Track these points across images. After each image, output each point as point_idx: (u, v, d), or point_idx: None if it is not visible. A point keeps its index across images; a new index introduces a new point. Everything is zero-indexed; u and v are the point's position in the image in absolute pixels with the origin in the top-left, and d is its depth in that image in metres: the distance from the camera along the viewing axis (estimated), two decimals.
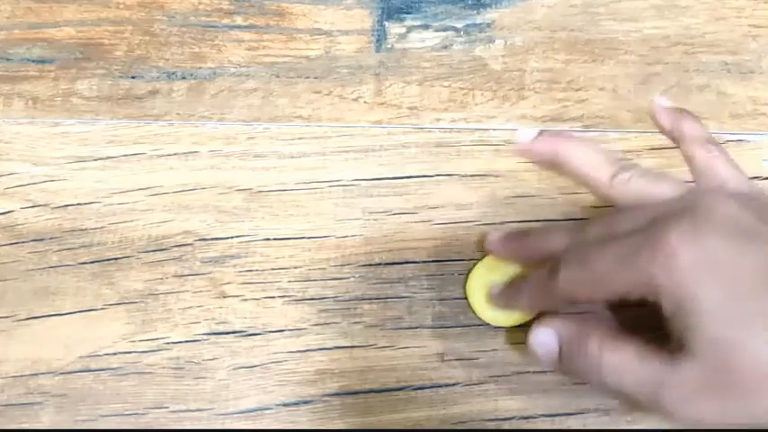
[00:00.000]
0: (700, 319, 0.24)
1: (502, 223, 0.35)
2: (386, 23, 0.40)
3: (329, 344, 0.34)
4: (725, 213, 0.25)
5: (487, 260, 0.34)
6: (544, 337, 0.29)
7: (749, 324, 0.23)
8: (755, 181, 0.34)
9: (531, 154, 0.30)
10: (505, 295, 0.32)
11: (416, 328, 0.34)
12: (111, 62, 0.39)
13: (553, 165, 0.30)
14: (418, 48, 0.39)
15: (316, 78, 0.39)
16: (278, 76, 0.39)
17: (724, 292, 0.24)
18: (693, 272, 0.24)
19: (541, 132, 0.30)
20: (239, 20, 0.40)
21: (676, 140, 0.30)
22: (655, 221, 0.26)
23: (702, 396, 0.24)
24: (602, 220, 0.28)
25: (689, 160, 0.30)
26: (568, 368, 0.28)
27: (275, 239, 0.36)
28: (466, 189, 0.36)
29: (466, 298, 0.34)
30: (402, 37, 0.39)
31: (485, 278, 0.33)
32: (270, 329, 0.34)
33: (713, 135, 0.30)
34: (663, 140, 0.32)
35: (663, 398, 0.24)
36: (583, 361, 0.27)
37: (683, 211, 0.25)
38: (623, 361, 0.25)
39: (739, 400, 0.23)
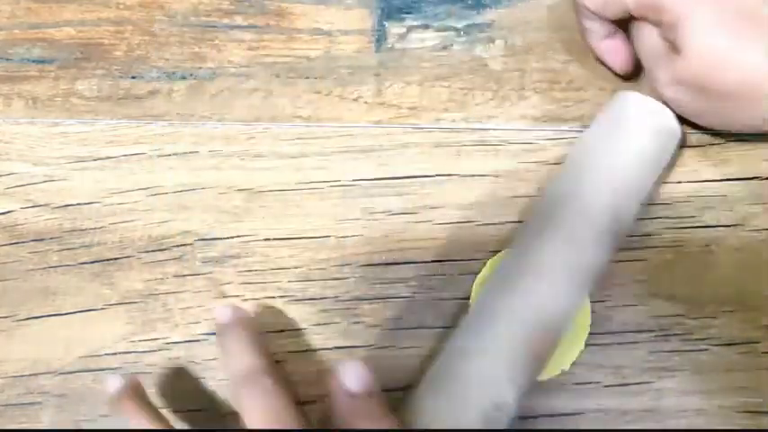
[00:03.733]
0: (694, 32, 0.29)
1: (502, 223, 0.35)
2: (386, 23, 0.40)
3: (329, 344, 0.34)
4: None
5: (492, 262, 0.34)
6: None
7: (734, 41, 0.29)
8: None
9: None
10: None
11: (416, 328, 0.34)
12: (111, 62, 0.39)
13: None
14: (418, 48, 0.39)
15: (316, 78, 0.39)
16: (278, 76, 0.39)
17: (714, 14, 0.29)
18: None
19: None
20: (239, 20, 0.40)
21: None
22: None
23: (688, 89, 0.30)
24: None
25: None
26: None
27: (275, 239, 0.36)
28: (466, 189, 0.36)
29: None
30: (402, 37, 0.39)
31: None
32: (270, 329, 0.34)
33: None
34: None
35: (658, 75, 0.31)
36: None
37: None
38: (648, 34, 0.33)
39: (718, 102, 0.29)
